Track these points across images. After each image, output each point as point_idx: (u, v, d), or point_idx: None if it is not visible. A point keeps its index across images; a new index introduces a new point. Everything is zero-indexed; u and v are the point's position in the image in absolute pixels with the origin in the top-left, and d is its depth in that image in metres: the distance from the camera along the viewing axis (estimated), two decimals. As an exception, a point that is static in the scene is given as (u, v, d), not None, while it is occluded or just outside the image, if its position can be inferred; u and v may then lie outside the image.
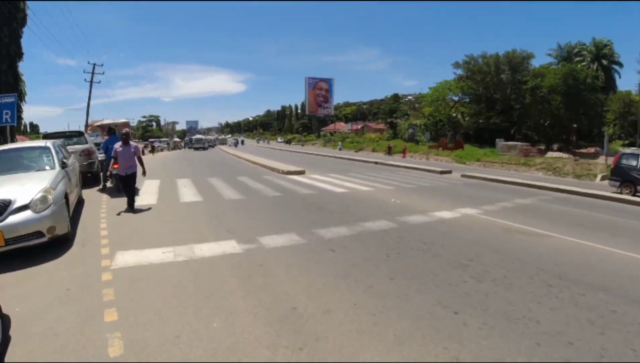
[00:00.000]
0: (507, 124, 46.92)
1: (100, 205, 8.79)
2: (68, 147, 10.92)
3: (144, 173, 9.02)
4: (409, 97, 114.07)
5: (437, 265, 4.98)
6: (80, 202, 8.66)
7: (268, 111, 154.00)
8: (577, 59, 51.54)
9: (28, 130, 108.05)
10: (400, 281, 4.37)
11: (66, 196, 5.90)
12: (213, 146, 61.02)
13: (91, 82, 36.13)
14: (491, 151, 36.64)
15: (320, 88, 76.09)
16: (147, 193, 10.38)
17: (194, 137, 69.80)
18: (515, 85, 47.39)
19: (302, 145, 67.62)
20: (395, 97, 67.55)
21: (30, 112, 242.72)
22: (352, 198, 10.42)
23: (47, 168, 6.74)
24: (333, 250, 5.54)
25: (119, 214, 7.88)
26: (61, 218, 5.39)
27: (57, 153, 7.24)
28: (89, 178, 12.04)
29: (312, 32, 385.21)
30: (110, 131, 10.81)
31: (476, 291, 4.12)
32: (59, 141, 8.78)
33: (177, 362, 2.79)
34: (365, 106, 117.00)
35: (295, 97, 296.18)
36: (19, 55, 21.40)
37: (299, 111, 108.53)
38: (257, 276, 4.46)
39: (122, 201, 8.54)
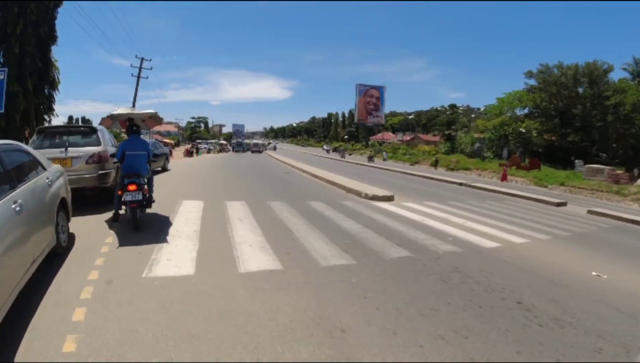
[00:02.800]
0: (587, 144, 40.52)
1: (91, 263, 4.56)
2: (72, 149, 6.95)
3: (146, 203, 6.32)
4: (449, 110, 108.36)
5: None
6: (56, 254, 4.54)
7: (313, 118, 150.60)
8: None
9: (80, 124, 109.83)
10: None
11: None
12: (260, 152, 57.88)
13: (138, 76, 33.44)
14: (573, 173, 30.79)
15: (371, 96, 71.28)
16: (180, 234, 6.11)
17: (252, 141, 69.31)
18: (596, 100, 40.97)
19: (350, 154, 63.05)
20: (452, 108, 61.57)
21: (83, 108, 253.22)
22: (523, 265, 5.77)
23: None
24: None
25: (108, 282, 3.79)
26: None
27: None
28: (100, 197, 7.99)
29: (358, 42, 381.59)
30: (132, 127, 6.69)
31: None
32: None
33: None
34: (411, 117, 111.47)
35: (339, 105, 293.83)
36: (52, 38, 18.09)
37: (345, 118, 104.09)
38: None
39: (135, 256, 4.41)
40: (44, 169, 4.68)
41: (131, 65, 33.91)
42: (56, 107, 19.46)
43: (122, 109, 6.84)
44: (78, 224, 6.11)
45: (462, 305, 4.06)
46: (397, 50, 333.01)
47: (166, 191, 10.68)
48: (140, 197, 5.85)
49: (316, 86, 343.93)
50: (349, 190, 12.76)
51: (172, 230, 6.24)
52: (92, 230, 6.10)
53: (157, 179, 14.36)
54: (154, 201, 6.76)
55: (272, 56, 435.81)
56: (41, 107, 18.13)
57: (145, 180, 6.46)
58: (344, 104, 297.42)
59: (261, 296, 3.86)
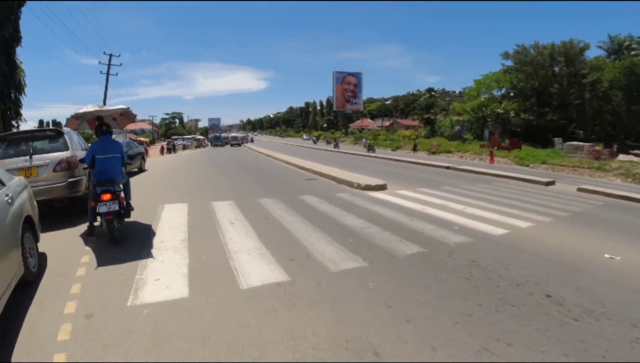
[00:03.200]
0: (565, 122, 41.01)
1: (67, 291, 3.90)
2: (37, 157, 6.22)
3: (124, 213, 5.62)
4: (427, 94, 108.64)
5: None
6: (26, 283, 3.87)
7: (291, 108, 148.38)
8: (633, 53, 45.08)
9: (51, 127, 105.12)
10: None
11: None
12: (239, 145, 56.62)
13: (107, 73, 32.05)
14: (553, 152, 31.11)
15: (348, 83, 70.50)
16: (166, 245, 5.42)
17: (231, 135, 68.45)
18: (573, 78, 41.42)
19: (328, 143, 62.49)
20: (430, 92, 61.46)
21: (54, 111, 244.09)
22: (536, 251, 5.43)
23: None
24: None
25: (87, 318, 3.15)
26: None
27: None
28: (72, 207, 7.23)
29: (330, 29, 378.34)
30: (101, 127, 5.85)
31: None
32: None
33: None
34: (388, 102, 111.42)
35: (316, 94, 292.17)
36: (16, 39, 16.81)
37: (324, 107, 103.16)
38: None
39: (116, 278, 3.85)
40: (2, 184, 3.96)
41: (100, 62, 32.36)
42: (24, 111, 18.28)
43: (89, 107, 5.92)
44: (49, 242, 5.39)
45: (494, 306, 3.63)
46: (373, 35, 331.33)
47: (145, 195, 9.92)
48: (116, 207, 5.14)
49: (292, 76, 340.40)
50: (340, 181, 12.22)
51: (156, 241, 5.55)
52: (65, 248, 5.37)
53: (134, 181, 13.45)
54: (132, 209, 6.07)
55: (246, 47, 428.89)
56: (8, 113, 16.94)
57: (121, 186, 5.75)
58: (321, 92, 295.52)
59: (273, 319, 3.27)
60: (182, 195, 9.83)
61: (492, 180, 15.04)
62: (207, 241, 5.61)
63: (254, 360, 2.71)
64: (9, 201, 3.80)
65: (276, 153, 28.77)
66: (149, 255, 4.94)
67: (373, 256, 5.01)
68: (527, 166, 25.69)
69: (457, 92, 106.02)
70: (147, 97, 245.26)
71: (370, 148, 37.99)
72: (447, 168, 19.85)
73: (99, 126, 5.81)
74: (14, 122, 17.37)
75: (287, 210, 7.79)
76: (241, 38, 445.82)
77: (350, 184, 11.53)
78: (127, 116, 6.65)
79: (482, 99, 44.92)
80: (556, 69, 42.72)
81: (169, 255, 4.95)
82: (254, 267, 4.53)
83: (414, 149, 38.70)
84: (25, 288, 3.89)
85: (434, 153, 37.77)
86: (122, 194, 5.66)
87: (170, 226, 6.44)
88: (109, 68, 32.12)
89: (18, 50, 17.10)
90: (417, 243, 5.65)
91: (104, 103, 31.08)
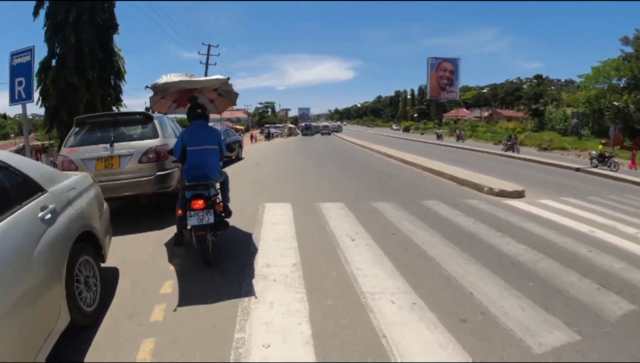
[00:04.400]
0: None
1: (133, 352, 2.47)
2: (120, 145, 5.08)
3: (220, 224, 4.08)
4: (535, 81, 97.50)
5: None
6: (76, 328, 2.54)
7: (379, 97, 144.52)
8: None
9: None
10: None
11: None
12: (329, 134, 55.52)
13: (207, 63, 32.46)
14: None
15: (444, 69, 65.35)
16: (274, 273, 3.89)
17: (322, 124, 68.76)
18: None
19: (422, 133, 58.81)
20: (538, 79, 54.36)
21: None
22: None
23: None
24: None
25: None
26: None
27: None
28: (161, 206, 6.11)
29: (419, 16, 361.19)
30: (195, 109, 4.42)
31: None
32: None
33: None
34: (484, 91, 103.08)
35: (407, 83, 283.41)
36: (112, 27, 17.00)
37: (415, 96, 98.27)
38: None
39: (207, 333, 2.39)
40: (41, 190, 2.65)
41: (199, 52, 33.05)
42: (126, 100, 18.69)
43: (172, 76, 4.32)
44: (126, 250, 4.21)
45: None
46: (466, 20, 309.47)
47: (243, 188, 8.72)
48: (211, 219, 3.73)
49: (381, 65, 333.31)
50: (463, 182, 9.99)
51: (259, 264, 4.07)
52: (144, 264, 4.13)
53: (230, 171, 12.38)
54: (231, 214, 4.70)
55: (333, 37, 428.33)
56: (108, 98, 17.23)
57: (218, 187, 4.38)
58: (411, 81, 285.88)
59: None
60: (283, 190, 8.51)
61: (634, 190, 11.75)
62: (327, 268, 4.00)
63: None
64: (47, 216, 2.49)
65: (370, 144, 26.75)
66: (251, 290, 3.45)
67: (577, 319, 3.08)
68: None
69: (562, 80, 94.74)
70: (242, 88, 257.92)
71: (460, 138, 38.06)
72: (577, 170, 16.38)
73: (192, 108, 4.42)
74: (113, 108, 17.65)
75: (415, 222, 5.92)
76: (329, 29, 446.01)
77: (477, 187, 9.29)
78: (226, 94, 5.17)
79: (600, 89, 38.30)
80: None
81: (279, 293, 3.41)
82: (412, 334, 2.78)
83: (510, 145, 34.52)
84: (75, 337, 2.56)
85: (544, 149, 33.07)
86: (219, 198, 4.32)
87: (275, 236, 4.97)
88: (207, 58, 32.53)
89: (116, 38, 17.34)
90: (621, 293, 3.59)
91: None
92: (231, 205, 4.77)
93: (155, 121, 5.88)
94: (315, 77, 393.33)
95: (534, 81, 55.43)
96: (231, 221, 5.02)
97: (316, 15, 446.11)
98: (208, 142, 4.19)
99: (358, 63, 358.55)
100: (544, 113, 43.58)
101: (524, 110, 51.83)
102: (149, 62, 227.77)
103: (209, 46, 31.61)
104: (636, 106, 36.44)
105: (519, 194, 8.75)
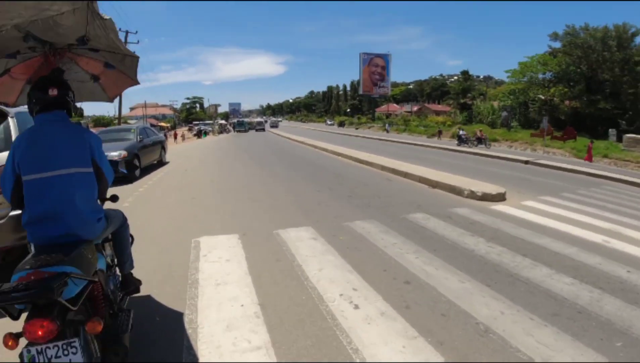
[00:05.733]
0: (618, 112, 36.07)
1: None
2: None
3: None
4: (455, 77, 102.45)
5: None
6: None
7: (312, 92, 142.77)
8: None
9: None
10: None
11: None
12: (263, 130, 52.92)
13: (125, 50, 28.35)
14: (611, 144, 26.70)
15: (376, 65, 65.44)
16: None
17: (255, 120, 66.53)
18: (626, 65, 36.30)
19: (356, 128, 58.35)
20: (465, 75, 56.21)
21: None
22: None
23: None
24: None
25: None
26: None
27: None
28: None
29: (350, 11, 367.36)
30: (43, 87, 2.02)
31: None
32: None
33: None
34: (411, 87, 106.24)
35: (338, 78, 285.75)
36: None
37: (347, 91, 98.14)
38: None
39: None
40: None
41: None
42: None
43: None
44: None
45: None
46: (392, 17, 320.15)
47: (167, 211, 6.47)
48: (77, 360, 1.56)
49: (311, 60, 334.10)
50: (436, 185, 8.51)
51: None
52: None
53: (150, 182, 9.71)
54: (137, 288, 2.60)
55: (264, 30, 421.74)
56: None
57: (106, 252, 2.37)
58: (343, 77, 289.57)
59: None
60: (224, 211, 6.28)
61: (593, 182, 11.50)
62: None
63: None
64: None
65: (313, 141, 24.78)
66: None
67: None
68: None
69: (481, 76, 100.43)
70: (167, 82, 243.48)
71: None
72: (526, 162, 15.89)
73: (39, 86, 2.07)
74: None
75: (421, 254, 4.15)
76: (259, 21, 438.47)
77: (454, 190, 7.86)
78: (120, 63, 2.72)
79: (523, 84, 40.32)
80: (606, 54, 37.45)
81: None
82: None
83: (439, 136, 36.25)
84: None
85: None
86: (113, 271, 2.33)
87: (226, 316, 2.84)
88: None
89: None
90: None
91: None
92: (147, 244, 2.72)
93: (11, 121, 3.40)
94: (245, 71, 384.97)
95: (460, 77, 57.31)
96: (147, 280, 2.92)
97: (246, 7, 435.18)
98: (67, 160, 1.99)
99: (289, 58, 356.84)
100: (472, 107, 44.93)
101: (453, 104, 53.40)
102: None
103: (127, 32, 27.47)
104: (561, 98, 38.61)
105: (501, 197, 7.50)
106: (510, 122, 36.33)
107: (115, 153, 9.25)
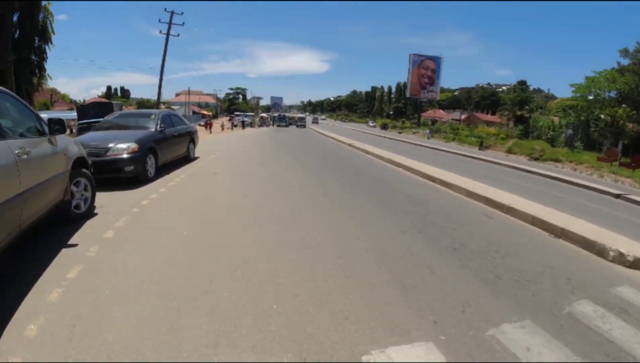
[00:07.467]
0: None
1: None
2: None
3: None
4: (503, 87, 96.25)
5: None
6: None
7: (354, 92, 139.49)
8: None
9: (118, 93, 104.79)
10: None
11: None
12: (304, 126, 50.60)
13: (168, 33, 26.72)
14: None
15: (426, 67, 61.61)
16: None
17: (296, 115, 65.26)
18: None
19: (399, 132, 55.00)
20: (522, 85, 51.66)
21: (125, 78, 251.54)
22: None
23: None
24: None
25: None
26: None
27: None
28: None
29: (398, 12, 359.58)
30: None
31: None
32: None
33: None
34: (456, 93, 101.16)
35: (382, 79, 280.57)
36: None
37: (392, 92, 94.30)
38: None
39: None
40: None
41: (159, 20, 27.24)
42: (96, 78, 13.79)
43: None
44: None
45: None
46: (442, 21, 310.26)
47: (163, 272, 3.97)
48: None
49: (356, 59, 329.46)
50: (560, 233, 5.59)
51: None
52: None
53: (164, 188, 6.39)
54: None
55: (311, 27, 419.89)
56: (26, 65, 12.09)
57: None
58: (388, 78, 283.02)
59: None
60: (261, 277, 3.71)
61: None
62: None
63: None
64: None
65: (362, 144, 21.59)
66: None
67: None
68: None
69: (531, 88, 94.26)
70: (213, 72, 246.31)
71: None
72: (617, 196, 12.09)
73: None
74: (34, 80, 12.49)
75: None
76: (307, 18, 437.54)
77: (591, 247, 4.96)
78: None
79: (585, 101, 35.85)
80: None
81: None
82: None
83: (480, 146, 33.45)
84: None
85: (536, 159, 30.05)
86: None
87: None
88: (169, 27, 26.85)
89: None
90: None
91: (163, 64, 26.26)
92: None
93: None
94: (289, 66, 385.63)
95: (517, 86, 52.75)
96: None
97: (295, 4, 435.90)
98: None
99: (334, 56, 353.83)
100: (529, 120, 40.75)
101: (508, 115, 49.03)
102: (113, 39, 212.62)
103: (172, 13, 25.84)
104: (628, 120, 34.01)
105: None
106: (575, 141, 32.07)
107: (123, 146, 6.97)
